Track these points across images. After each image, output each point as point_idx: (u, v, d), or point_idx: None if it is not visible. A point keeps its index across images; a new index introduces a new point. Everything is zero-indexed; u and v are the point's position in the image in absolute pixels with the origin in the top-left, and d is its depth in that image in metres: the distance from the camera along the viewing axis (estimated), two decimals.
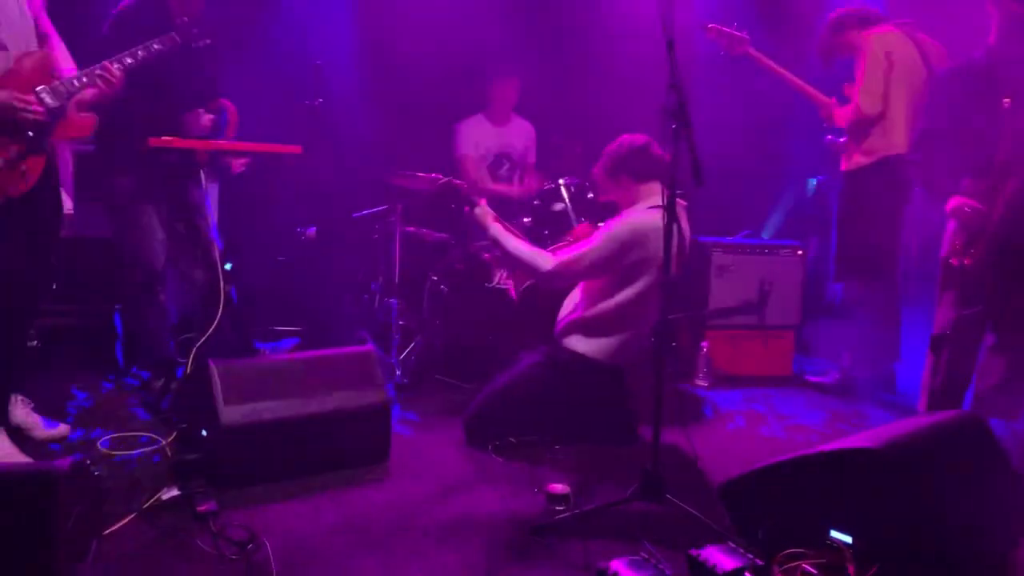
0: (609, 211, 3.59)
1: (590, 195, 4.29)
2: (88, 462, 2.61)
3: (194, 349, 3.30)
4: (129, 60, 3.02)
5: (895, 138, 4.09)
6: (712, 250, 4.69)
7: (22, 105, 2.69)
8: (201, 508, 2.59)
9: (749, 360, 4.66)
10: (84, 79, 2.91)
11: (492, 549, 2.51)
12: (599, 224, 3.70)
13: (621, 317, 3.35)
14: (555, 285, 3.57)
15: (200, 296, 3.68)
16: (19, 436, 3.11)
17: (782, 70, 4.30)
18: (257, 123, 3.89)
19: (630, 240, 3.24)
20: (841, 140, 4.32)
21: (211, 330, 3.33)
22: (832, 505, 2.27)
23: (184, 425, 3.19)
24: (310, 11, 5.24)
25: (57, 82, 2.84)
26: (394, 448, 3.19)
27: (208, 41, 3.30)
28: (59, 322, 4.10)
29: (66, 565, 2.01)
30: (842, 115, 4.18)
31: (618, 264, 3.28)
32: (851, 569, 2.11)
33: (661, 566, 2.22)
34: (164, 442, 3.18)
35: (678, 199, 2.65)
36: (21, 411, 3.19)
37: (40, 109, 2.75)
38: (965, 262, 3.30)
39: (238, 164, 3.79)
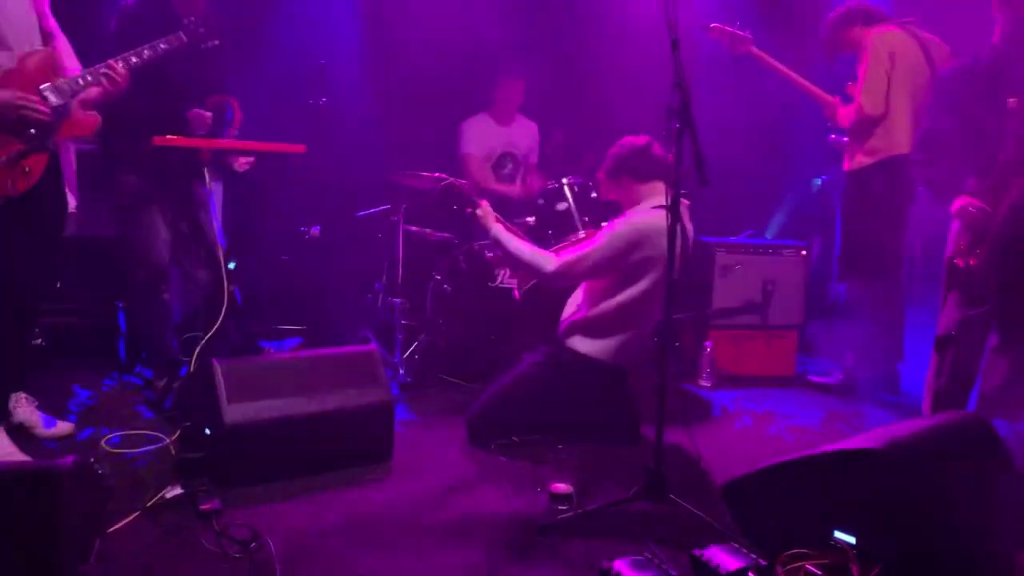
0: (612, 210, 3.59)
1: (593, 195, 4.29)
2: (92, 460, 2.62)
3: (198, 348, 3.31)
4: (135, 59, 3.02)
5: (898, 138, 4.08)
6: (716, 250, 4.68)
7: (26, 104, 2.70)
8: (204, 507, 2.60)
9: (752, 360, 4.66)
10: (89, 78, 2.91)
11: (494, 548, 2.51)
12: (603, 224, 3.69)
13: (624, 317, 3.35)
14: (558, 286, 3.56)
15: (204, 295, 3.69)
16: (23, 434, 3.13)
17: (785, 69, 4.29)
18: (261, 122, 3.90)
19: (634, 240, 3.24)
20: (844, 140, 4.32)
21: (215, 329, 3.34)
22: (835, 506, 2.26)
23: (188, 424, 3.19)
24: (314, 10, 5.25)
25: (61, 80, 2.84)
26: (397, 447, 3.20)
27: (216, 42, 3.30)
28: (63, 321, 4.11)
29: (69, 563, 2.01)
30: (845, 115, 4.17)
31: (621, 264, 3.28)
32: (854, 570, 2.11)
33: (664, 566, 2.21)
34: (168, 440, 3.19)
35: (681, 199, 2.65)
36: (25, 409, 3.20)
37: (44, 108, 2.75)
38: (970, 262, 3.28)
39: (242, 163, 3.79)
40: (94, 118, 3.01)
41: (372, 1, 5.41)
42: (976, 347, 3.38)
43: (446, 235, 4.61)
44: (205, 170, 3.56)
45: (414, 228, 4.51)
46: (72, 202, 3.18)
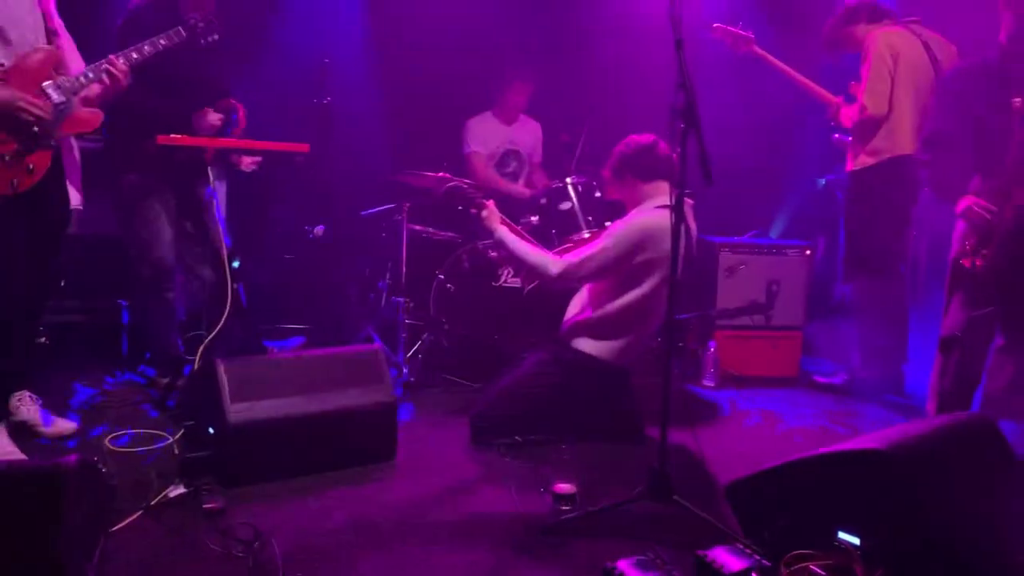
0: (616, 209, 3.58)
1: (597, 194, 4.29)
2: (95, 459, 2.61)
3: (202, 346, 3.31)
4: (135, 55, 3.03)
5: (901, 138, 4.07)
6: (720, 250, 4.68)
7: (25, 102, 2.70)
8: (208, 506, 2.60)
9: (757, 361, 4.65)
10: (90, 75, 2.92)
11: (498, 548, 2.50)
12: (607, 224, 3.69)
13: (628, 318, 3.34)
14: (562, 287, 3.56)
15: (208, 294, 3.69)
16: (27, 432, 3.13)
17: (788, 69, 4.28)
18: (266, 121, 3.90)
19: (638, 241, 3.24)
20: (848, 139, 4.31)
21: (219, 328, 3.34)
22: (840, 506, 2.25)
23: (191, 423, 3.19)
24: (318, 9, 5.25)
25: (63, 78, 2.85)
26: (400, 447, 3.20)
27: (215, 37, 3.30)
28: (67, 319, 4.11)
29: (74, 562, 2.01)
30: (848, 115, 4.16)
31: (626, 265, 3.27)
32: (859, 571, 2.11)
33: (668, 566, 2.21)
34: (171, 439, 3.19)
35: (685, 198, 2.64)
36: (29, 408, 3.20)
37: (46, 105, 2.76)
38: (976, 263, 3.27)
39: (248, 162, 3.80)
40: (97, 115, 3.01)
41: (376, 0, 5.41)
42: (981, 348, 3.38)
43: (450, 234, 4.61)
44: (209, 169, 3.56)
45: (418, 227, 4.51)
46: (77, 199, 3.18)
